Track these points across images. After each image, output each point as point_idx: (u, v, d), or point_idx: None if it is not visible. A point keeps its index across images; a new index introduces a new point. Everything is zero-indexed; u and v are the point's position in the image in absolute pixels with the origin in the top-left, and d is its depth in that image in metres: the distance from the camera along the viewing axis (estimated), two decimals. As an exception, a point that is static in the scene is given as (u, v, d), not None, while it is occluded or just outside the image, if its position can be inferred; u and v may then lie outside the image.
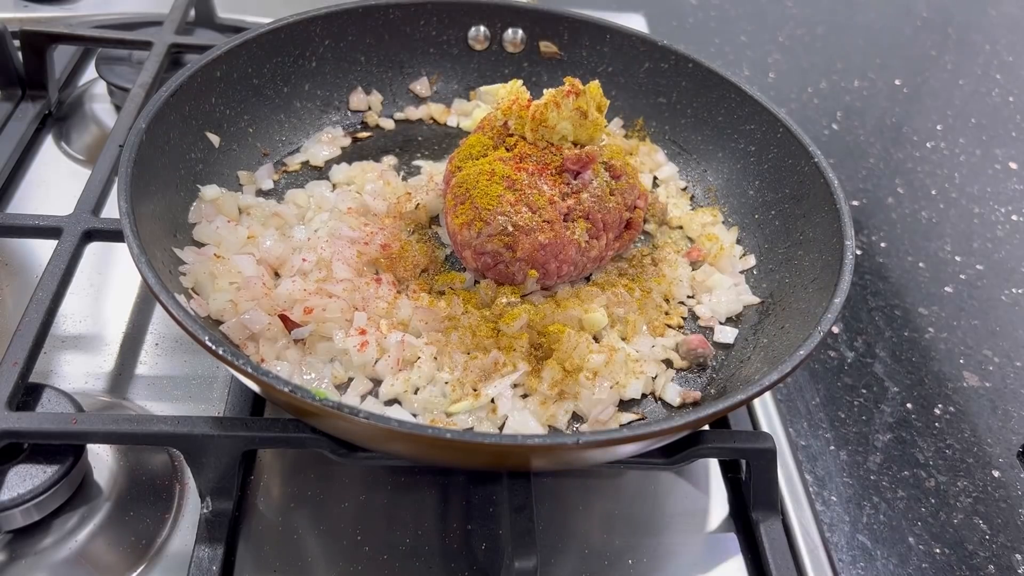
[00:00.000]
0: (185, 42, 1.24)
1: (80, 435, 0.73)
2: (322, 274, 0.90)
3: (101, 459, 0.82)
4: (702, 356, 0.92)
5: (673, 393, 0.88)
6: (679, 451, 0.82)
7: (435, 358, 0.86)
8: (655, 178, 1.14)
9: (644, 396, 0.89)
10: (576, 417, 0.86)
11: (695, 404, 0.88)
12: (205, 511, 0.77)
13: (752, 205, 1.06)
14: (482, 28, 1.17)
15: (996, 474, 0.98)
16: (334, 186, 1.06)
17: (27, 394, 0.78)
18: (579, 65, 1.18)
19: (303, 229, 0.97)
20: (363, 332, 0.85)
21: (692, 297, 1.00)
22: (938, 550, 0.90)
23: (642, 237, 1.06)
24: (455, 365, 0.85)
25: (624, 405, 0.88)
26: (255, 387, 0.74)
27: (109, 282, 1.02)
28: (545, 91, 0.94)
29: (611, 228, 0.95)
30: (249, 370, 0.68)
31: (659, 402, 0.89)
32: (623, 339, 0.91)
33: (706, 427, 0.85)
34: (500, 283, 0.92)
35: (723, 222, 1.08)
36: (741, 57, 1.74)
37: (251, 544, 0.79)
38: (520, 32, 1.18)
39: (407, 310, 0.88)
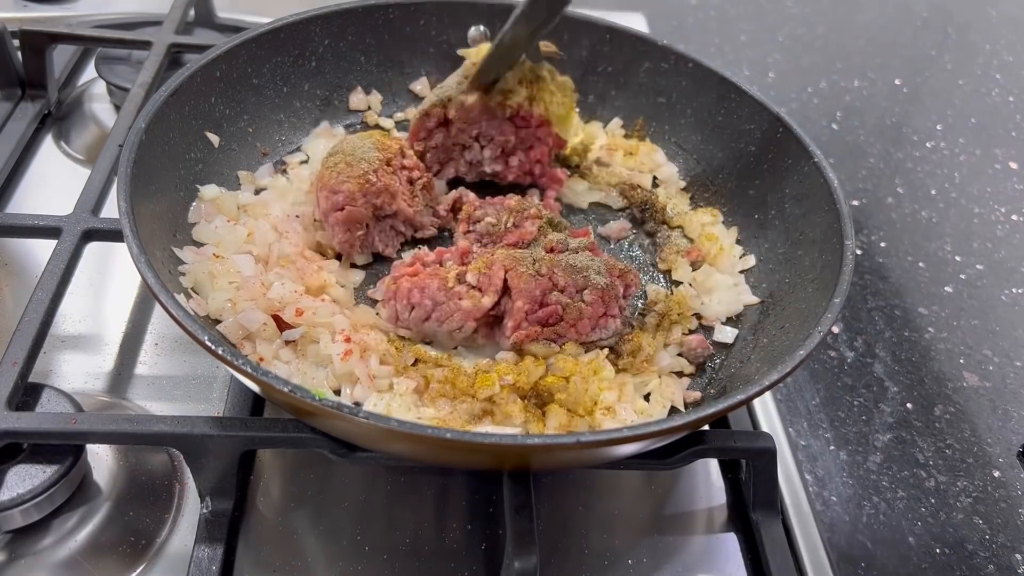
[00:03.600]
0: (185, 42, 1.24)
1: (80, 435, 0.73)
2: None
3: (101, 459, 0.82)
4: (702, 356, 0.92)
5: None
6: (679, 451, 0.81)
7: (416, 392, 0.83)
8: (655, 178, 1.14)
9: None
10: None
11: (695, 404, 0.88)
12: (204, 511, 0.77)
13: (752, 205, 1.06)
14: (482, 28, 1.16)
15: (996, 474, 0.98)
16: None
17: (27, 394, 0.78)
18: (579, 65, 1.18)
19: (279, 206, 0.98)
20: (348, 340, 0.84)
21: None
22: (938, 550, 0.89)
23: (645, 239, 1.07)
24: (439, 407, 0.81)
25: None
26: (255, 387, 0.74)
27: (109, 282, 1.02)
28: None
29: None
30: (249, 370, 0.68)
31: (659, 402, 0.89)
32: (631, 370, 0.89)
33: (706, 427, 0.85)
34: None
35: (723, 222, 1.08)
36: (741, 57, 1.74)
37: (251, 544, 0.79)
38: (520, 32, 1.17)
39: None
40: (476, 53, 1.10)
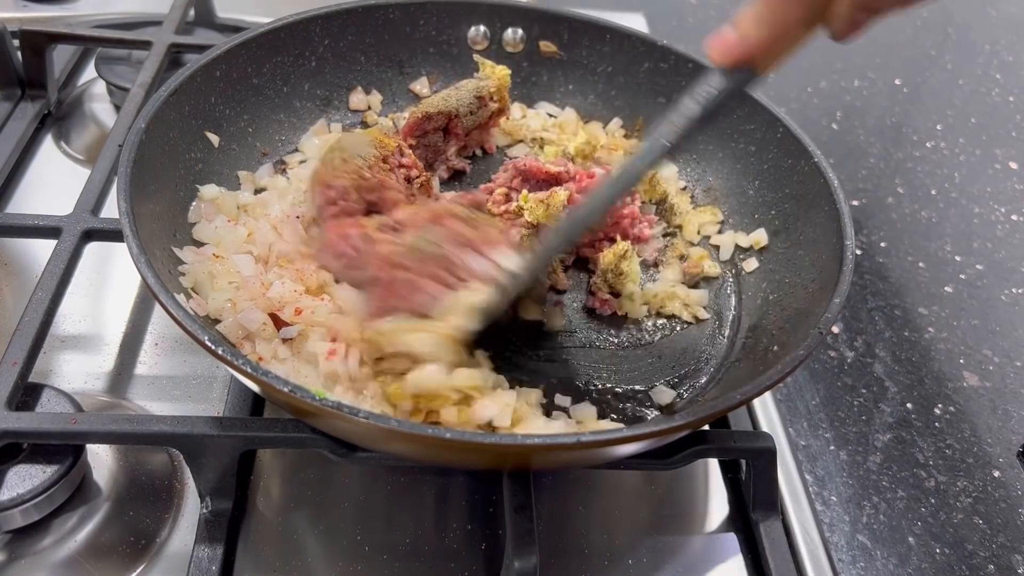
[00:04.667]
0: (185, 42, 1.24)
1: (79, 435, 0.73)
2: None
3: (100, 459, 0.82)
4: (697, 279, 1.00)
5: (667, 396, 0.88)
6: (679, 451, 0.81)
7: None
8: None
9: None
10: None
11: (691, 403, 0.88)
12: (204, 511, 0.77)
13: (752, 205, 1.06)
14: (482, 28, 1.17)
15: (996, 474, 0.98)
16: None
17: (26, 394, 0.78)
18: (579, 65, 1.18)
19: (279, 206, 0.97)
20: (335, 339, 0.82)
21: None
22: (938, 550, 0.89)
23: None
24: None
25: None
26: (255, 387, 0.74)
27: (109, 282, 1.02)
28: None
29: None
30: (248, 370, 0.68)
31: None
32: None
33: (706, 427, 0.85)
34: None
35: (723, 222, 1.08)
36: (741, 57, 1.74)
37: (251, 544, 0.79)
38: (520, 32, 1.17)
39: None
40: (490, 69, 1.11)
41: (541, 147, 1.16)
